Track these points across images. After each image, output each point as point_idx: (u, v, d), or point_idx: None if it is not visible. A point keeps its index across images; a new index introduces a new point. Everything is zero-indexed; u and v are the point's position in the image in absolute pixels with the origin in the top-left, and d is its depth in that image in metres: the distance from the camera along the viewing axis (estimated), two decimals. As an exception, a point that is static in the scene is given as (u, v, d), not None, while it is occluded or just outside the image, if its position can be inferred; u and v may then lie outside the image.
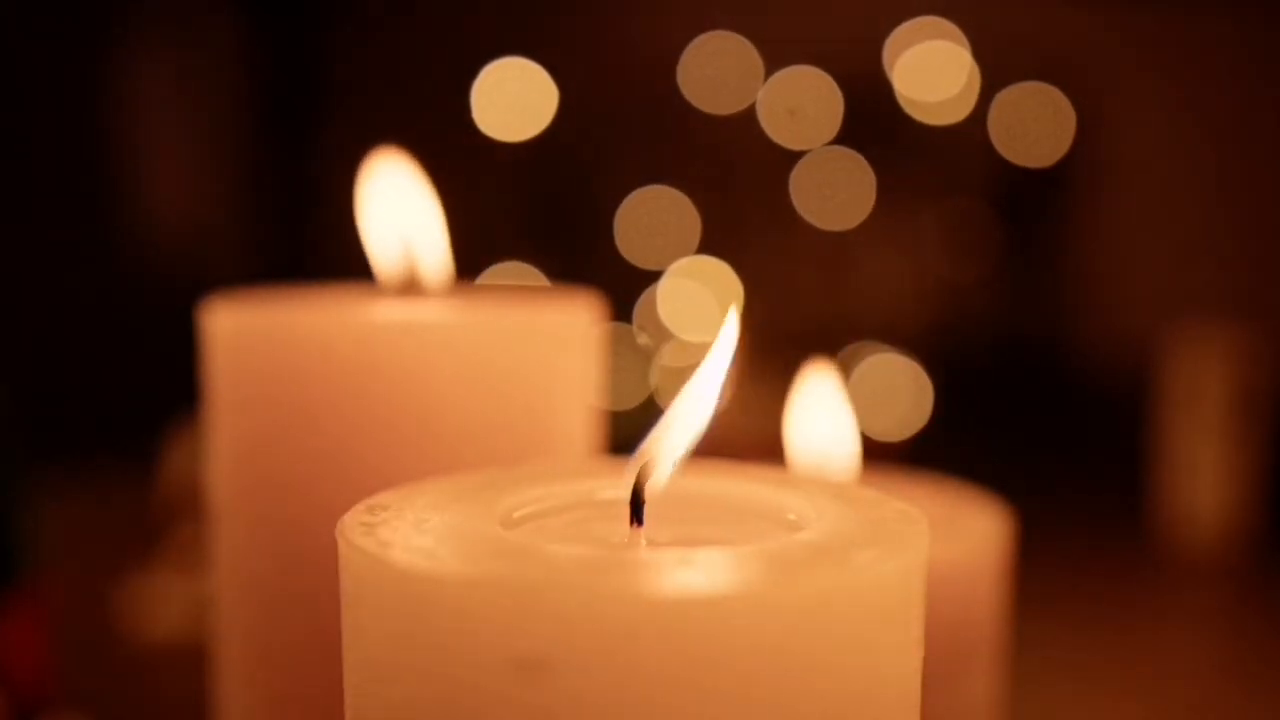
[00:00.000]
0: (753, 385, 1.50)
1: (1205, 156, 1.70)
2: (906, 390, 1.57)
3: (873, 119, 1.73)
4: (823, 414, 0.38)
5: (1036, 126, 1.72)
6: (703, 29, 1.75)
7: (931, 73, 1.70)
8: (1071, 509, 1.24)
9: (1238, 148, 1.67)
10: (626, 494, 0.24)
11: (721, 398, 0.25)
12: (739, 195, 1.72)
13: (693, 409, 0.25)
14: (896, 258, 1.80)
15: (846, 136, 1.72)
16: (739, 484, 0.26)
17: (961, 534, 0.36)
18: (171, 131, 1.88)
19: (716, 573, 0.20)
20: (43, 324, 1.55)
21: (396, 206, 0.38)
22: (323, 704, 0.30)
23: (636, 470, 0.24)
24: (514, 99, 1.76)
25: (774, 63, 1.74)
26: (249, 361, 0.34)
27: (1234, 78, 1.66)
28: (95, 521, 1.05)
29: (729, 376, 0.26)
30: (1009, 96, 1.72)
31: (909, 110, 1.73)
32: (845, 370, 1.59)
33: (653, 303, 1.65)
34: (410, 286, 0.38)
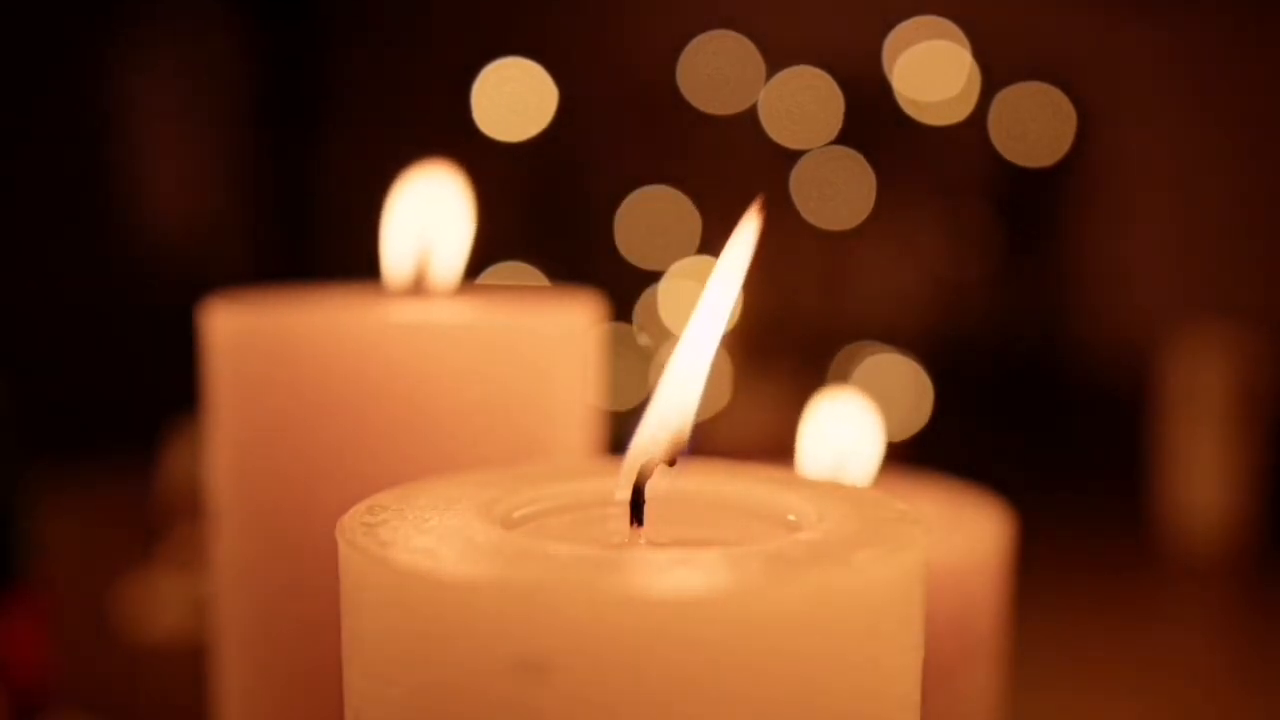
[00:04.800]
0: (753, 385, 1.50)
1: (1205, 156, 1.70)
2: (906, 390, 1.57)
3: (873, 119, 1.73)
4: (845, 433, 0.37)
5: (1036, 126, 1.72)
6: (703, 29, 1.75)
7: (931, 73, 1.71)
8: (1071, 509, 1.24)
9: (1238, 148, 1.67)
10: (626, 494, 0.24)
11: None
12: (739, 195, 1.72)
13: (684, 374, 0.25)
14: (896, 258, 1.80)
15: (846, 136, 1.73)
16: (739, 484, 0.26)
17: (961, 534, 0.36)
18: (171, 131, 1.88)
19: (716, 573, 0.20)
20: (43, 324, 1.55)
21: (427, 210, 0.38)
22: (323, 704, 0.30)
23: (637, 467, 0.24)
24: (514, 99, 1.76)
25: (774, 63, 1.74)
26: (249, 361, 0.34)
27: (1234, 78, 1.66)
28: (95, 521, 1.05)
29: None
30: (1009, 96, 1.72)
31: (909, 110, 1.73)
32: (845, 371, 1.59)
33: (653, 303, 1.65)
34: (410, 287, 0.38)
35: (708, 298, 0.25)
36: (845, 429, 0.38)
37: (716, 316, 0.25)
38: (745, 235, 0.25)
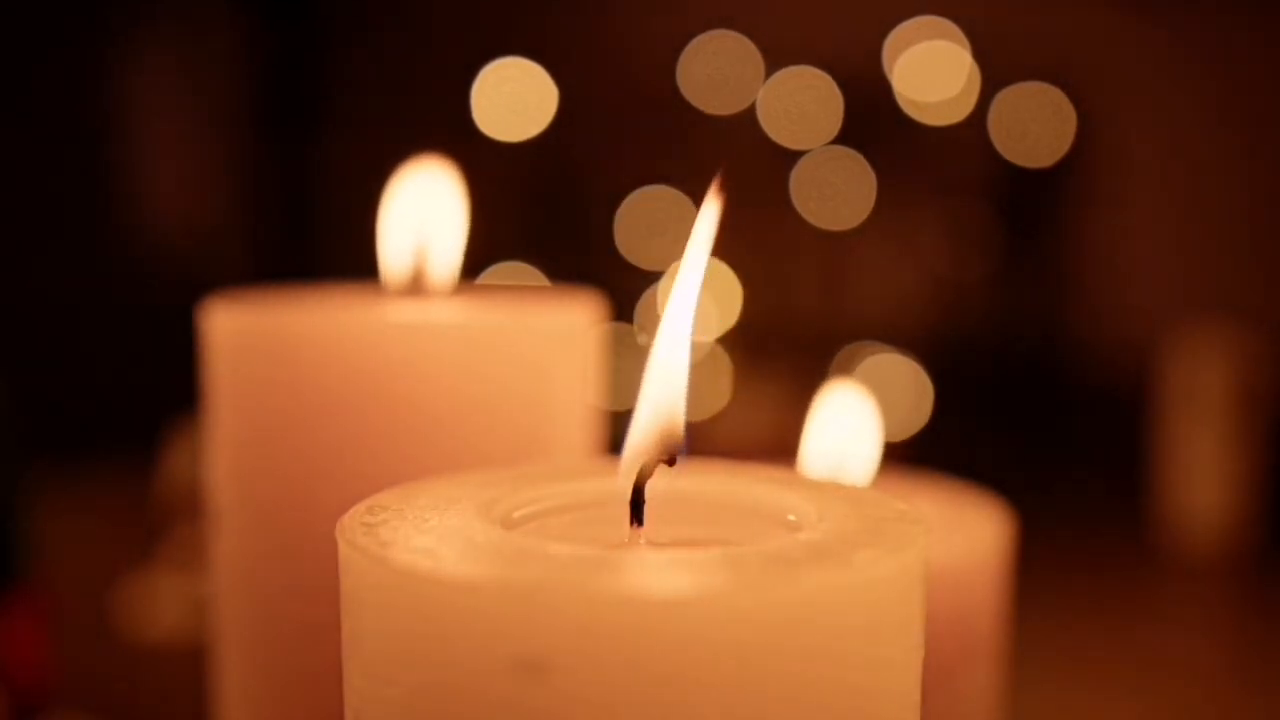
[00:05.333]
0: (753, 385, 1.50)
1: (1205, 156, 1.70)
2: (906, 390, 1.57)
3: (873, 119, 1.73)
4: (845, 423, 0.37)
5: (1036, 126, 1.72)
6: (703, 29, 1.75)
7: (931, 73, 1.70)
8: (1071, 509, 1.24)
9: (1238, 147, 1.67)
10: (626, 494, 0.24)
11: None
12: (739, 195, 1.72)
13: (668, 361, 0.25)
14: (896, 258, 1.80)
15: (846, 136, 1.72)
16: (739, 484, 0.26)
17: (961, 534, 0.36)
18: (171, 132, 1.88)
19: (716, 573, 0.20)
20: (43, 324, 1.55)
21: (422, 206, 0.38)
22: (323, 704, 0.30)
23: (634, 466, 0.24)
24: (514, 99, 1.76)
25: (774, 63, 1.74)
26: (249, 361, 0.34)
27: (1234, 78, 1.66)
28: (95, 521, 1.05)
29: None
30: (1009, 96, 1.72)
31: (909, 110, 1.73)
32: (845, 371, 1.59)
33: (653, 303, 1.65)
34: (410, 287, 0.38)
35: (678, 286, 0.25)
36: (846, 422, 0.38)
37: (688, 305, 0.25)
38: (708, 219, 0.25)
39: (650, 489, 0.24)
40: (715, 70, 1.75)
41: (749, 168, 1.75)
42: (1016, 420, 1.59)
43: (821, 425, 0.38)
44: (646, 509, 0.24)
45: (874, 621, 0.21)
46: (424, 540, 0.21)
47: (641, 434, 0.24)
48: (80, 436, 1.23)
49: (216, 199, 1.94)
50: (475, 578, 0.20)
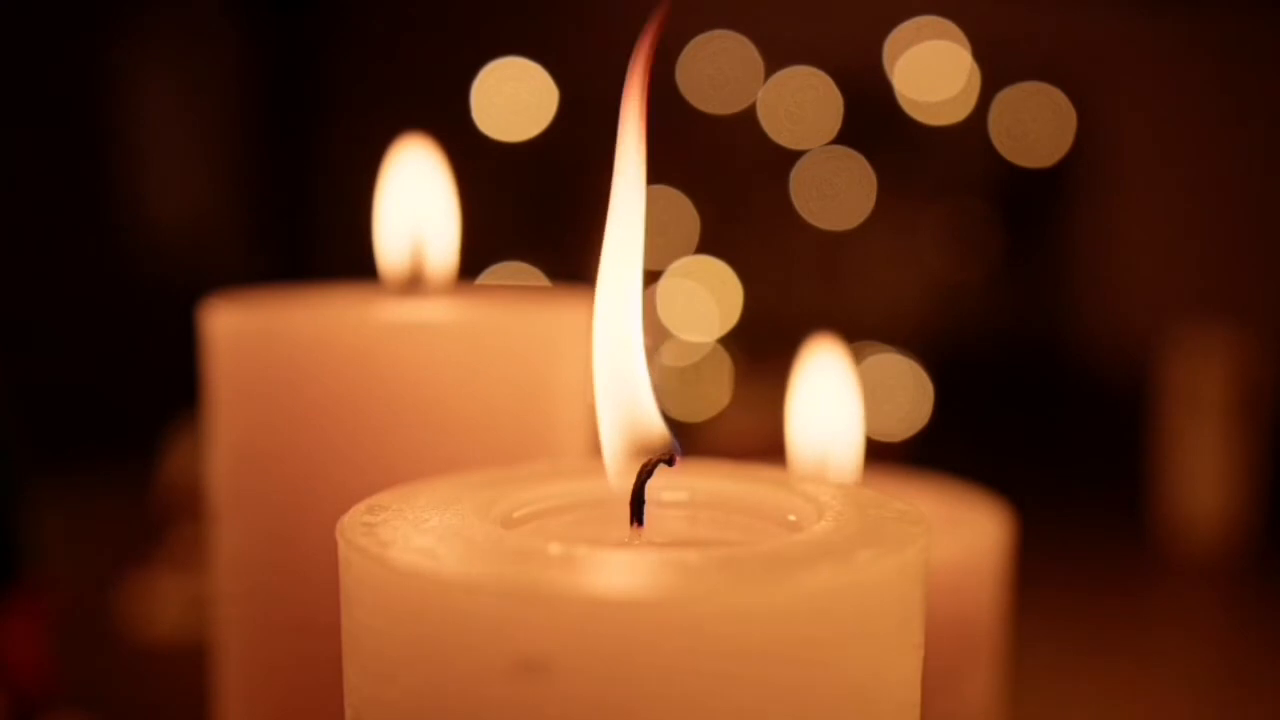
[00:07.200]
0: (753, 385, 1.50)
1: (1205, 156, 1.70)
2: (906, 390, 1.57)
3: (873, 119, 1.73)
4: (827, 406, 0.37)
5: (1036, 126, 1.72)
6: (703, 29, 1.75)
7: (931, 73, 1.70)
8: (1071, 509, 1.24)
9: (1237, 148, 1.67)
10: (627, 494, 0.24)
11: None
12: (739, 195, 1.72)
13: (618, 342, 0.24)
14: (896, 258, 1.80)
15: (846, 136, 1.72)
16: (739, 484, 0.26)
17: (961, 534, 0.36)
18: (172, 133, 1.88)
19: (716, 573, 0.20)
20: (43, 323, 1.55)
21: (414, 198, 0.38)
22: (323, 704, 0.30)
23: (619, 467, 0.24)
24: (514, 99, 1.76)
25: (774, 63, 1.74)
26: (249, 361, 0.34)
27: (1233, 78, 1.66)
28: (95, 521, 1.05)
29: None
30: (1009, 96, 1.72)
31: (909, 110, 1.73)
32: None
33: (652, 302, 1.65)
34: (410, 286, 0.38)
35: (610, 286, 0.25)
36: (826, 411, 0.38)
37: (631, 304, 0.25)
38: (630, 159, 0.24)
39: (650, 489, 0.24)
40: (715, 70, 1.75)
41: (749, 168, 1.75)
42: (1016, 420, 1.59)
43: (803, 403, 0.38)
44: (647, 509, 0.24)
45: (874, 621, 0.21)
46: (424, 540, 0.21)
47: (612, 440, 0.24)
48: (81, 436, 1.23)
49: (217, 199, 1.94)
50: (475, 578, 0.20)
